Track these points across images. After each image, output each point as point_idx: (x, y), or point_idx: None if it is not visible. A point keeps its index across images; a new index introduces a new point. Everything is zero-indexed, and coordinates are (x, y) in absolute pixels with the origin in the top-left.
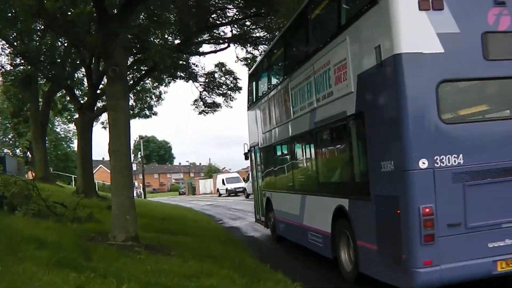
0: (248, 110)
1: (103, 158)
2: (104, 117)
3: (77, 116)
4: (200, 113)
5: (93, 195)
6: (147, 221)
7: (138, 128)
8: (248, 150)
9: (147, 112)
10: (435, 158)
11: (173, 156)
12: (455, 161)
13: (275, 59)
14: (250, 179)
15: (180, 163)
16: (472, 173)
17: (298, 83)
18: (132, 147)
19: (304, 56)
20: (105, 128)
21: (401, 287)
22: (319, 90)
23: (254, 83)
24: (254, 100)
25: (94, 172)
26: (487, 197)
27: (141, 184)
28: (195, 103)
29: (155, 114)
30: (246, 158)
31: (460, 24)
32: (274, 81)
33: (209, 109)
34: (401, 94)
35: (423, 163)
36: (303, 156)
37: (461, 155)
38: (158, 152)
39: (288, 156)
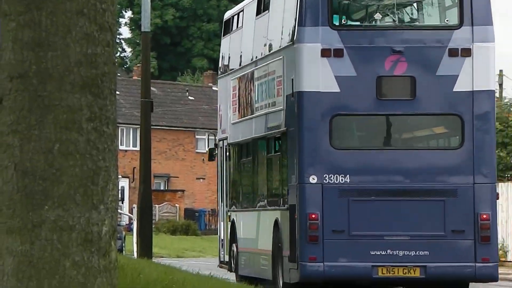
0: (219, 77)
1: None
2: None
3: None
4: None
5: None
6: None
7: None
8: (214, 145)
9: None
10: (324, 175)
11: None
12: (342, 180)
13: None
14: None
15: None
16: (357, 191)
17: (259, 75)
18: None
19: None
20: None
21: (295, 281)
22: (269, 95)
23: (229, 38)
24: (226, 68)
25: None
26: (371, 212)
27: (123, 181)
28: None
29: None
30: (211, 158)
31: (358, 69)
32: (246, 53)
33: None
34: (300, 124)
35: (313, 178)
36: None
37: (348, 175)
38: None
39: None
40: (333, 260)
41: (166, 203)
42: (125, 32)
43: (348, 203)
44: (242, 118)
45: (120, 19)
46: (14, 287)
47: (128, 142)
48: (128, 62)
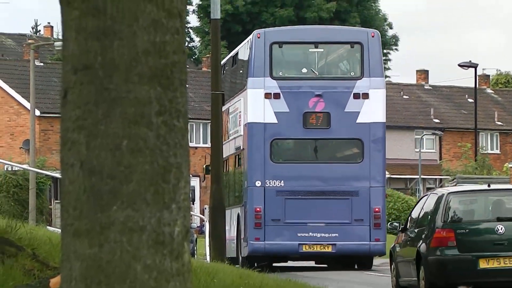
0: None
1: None
2: None
3: None
4: None
5: None
6: None
7: None
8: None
9: None
10: (265, 181)
11: None
12: (278, 184)
13: (231, 69)
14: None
15: None
16: (289, 192)
17: (231, 111)
18: None
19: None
20: None
21: (245, 255)
22: (235, 124)
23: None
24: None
25: None
26: (298, 206)
27: (194, 180)
28: None
29: None
30: (207, 173)
31: (290, 107)
32: (228, 90)
33: None
34: (249, 145)
35: (258, 183)
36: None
37: (282, 181)
38: None
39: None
40: (271, 240)
41: None
42: (193, 20)
43: (283, 200)
44: (226, 140)
45: (188, 7)
46: None
47: (198, 138)
48: (197, 52)
